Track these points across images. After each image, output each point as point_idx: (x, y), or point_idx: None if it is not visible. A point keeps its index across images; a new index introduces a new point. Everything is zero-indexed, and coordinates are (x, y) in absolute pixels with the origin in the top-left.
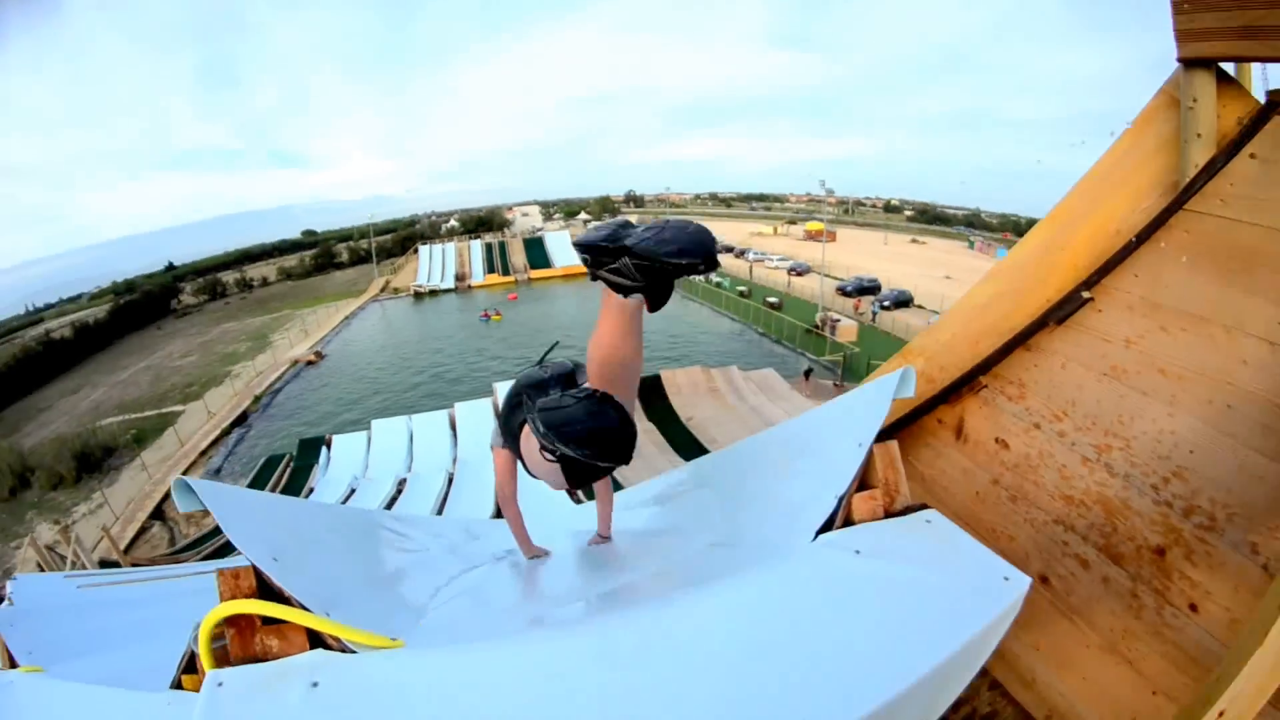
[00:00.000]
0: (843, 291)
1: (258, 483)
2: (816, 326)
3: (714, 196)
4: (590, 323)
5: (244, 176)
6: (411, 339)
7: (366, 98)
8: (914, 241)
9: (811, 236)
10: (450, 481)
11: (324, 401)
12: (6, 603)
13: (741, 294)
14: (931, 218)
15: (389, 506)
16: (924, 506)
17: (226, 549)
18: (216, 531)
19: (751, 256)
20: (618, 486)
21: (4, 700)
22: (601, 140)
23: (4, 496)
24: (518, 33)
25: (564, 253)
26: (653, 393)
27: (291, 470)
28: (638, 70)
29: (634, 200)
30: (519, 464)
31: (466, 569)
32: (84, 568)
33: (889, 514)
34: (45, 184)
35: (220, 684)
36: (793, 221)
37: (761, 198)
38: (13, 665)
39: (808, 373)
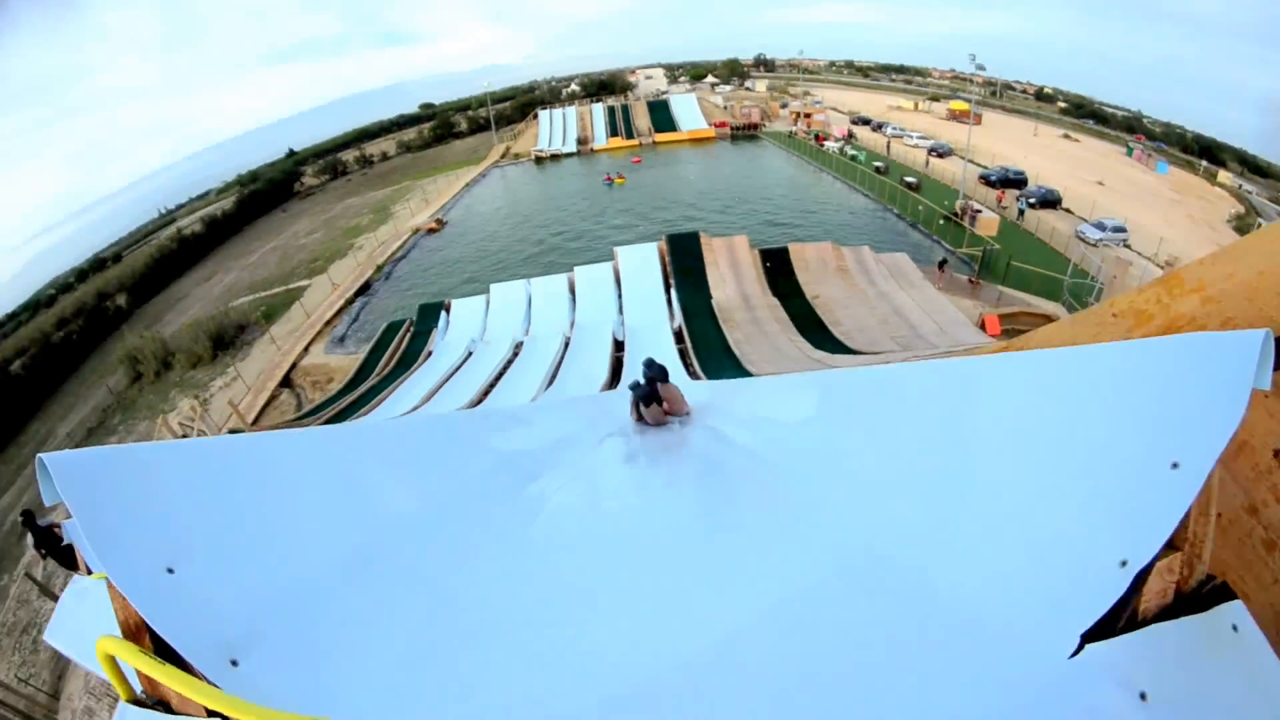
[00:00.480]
0: (986, 180)
1: (379, 348)
2: (955, 214)
3: (850, 65)
4: (714, 188)
5: (354, 60)
6: (533, 204)
7: None
8: (1066, 137)
9: (955, 116)
10: (566, 345)
11: (445, 267)
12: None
13: (878, 170)
14: (1087, 113)
15: (505, 369)
16: (1226, 590)
17: (353, 409)
18: (340, 395)
19: (890, 131)
20: (745, 373)
21: (77, 607)
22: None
23: (150, 379)
24: None
25: (690, 116)
26: (779, 266)
27: (411, 335)
28: None
29: (764, 64)
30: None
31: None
32: None
33: (1180, 594)
34: (163, 98)
35: None
36: (935, 98)
37: (901, 70)
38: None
39: (942, 263)
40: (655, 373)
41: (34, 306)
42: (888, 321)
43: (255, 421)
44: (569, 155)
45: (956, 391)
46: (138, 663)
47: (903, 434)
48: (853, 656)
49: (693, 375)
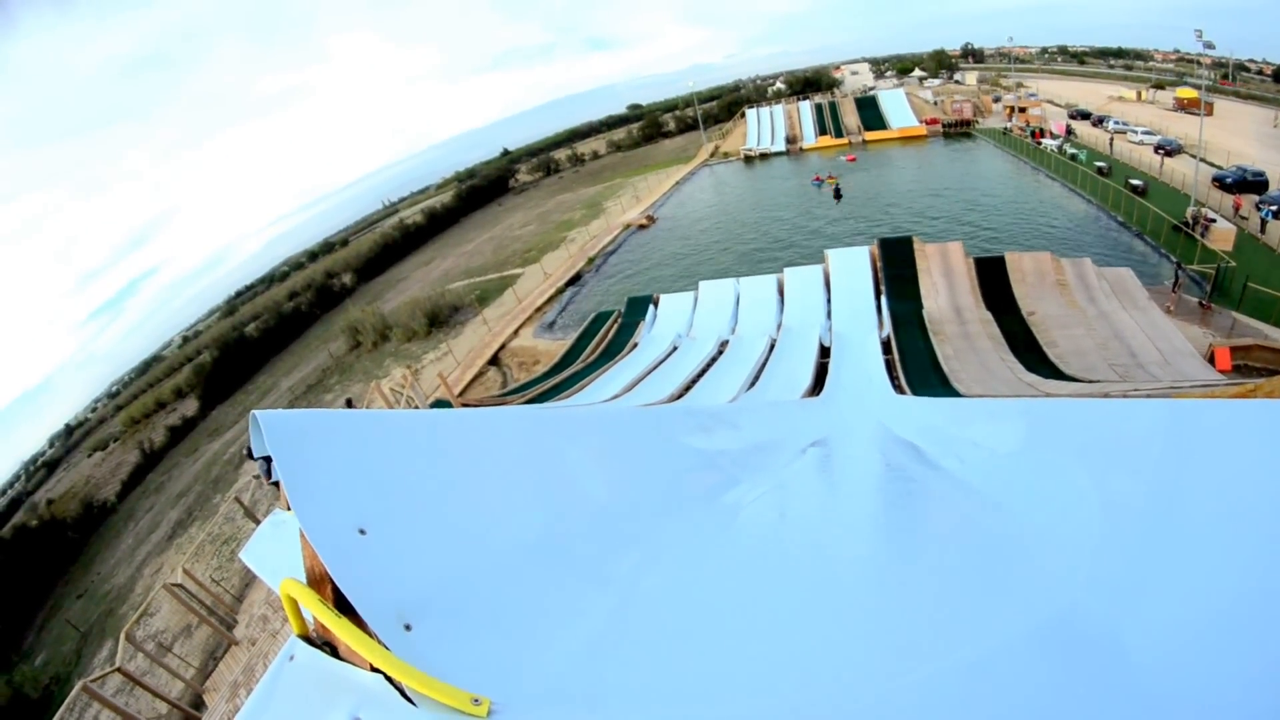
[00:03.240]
0: (1220, 183)
1: (586, 336)
2: (1185, 224)
3: (1064, 51)
4: (927, 190)
5: (562, 65)
6: (742, 203)
7: None
8: None
9: (1183, 106)
10: (772, 347)
11: (654, 263)
12: None
13: (1100, 171)
14: None
15: (708, 366)
16: None
17: (556, 391)
18: (545, 376)
19: (1111, 126)
20: (953, 391)
21: (273, 535)
22: None
23: (368, 348)
24: None
25: (900, 113)
26: (993, 277)
27: (619, 326)
28: None
29: (972, 54)
30: None
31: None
32: (416, 407)
33: None
34: (386, 104)
35: (292, 658)
36: (1159, 86)
37: (1120, 53)
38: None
39: (1177, 281)
40: None
41: (269, 280)
42: (1107, 346)
43: (461, 394)
44: (778, 154)
45: (1192, 438)
46: (317, 611)
47: (1126, 481)
48: None
49: (898, 389)
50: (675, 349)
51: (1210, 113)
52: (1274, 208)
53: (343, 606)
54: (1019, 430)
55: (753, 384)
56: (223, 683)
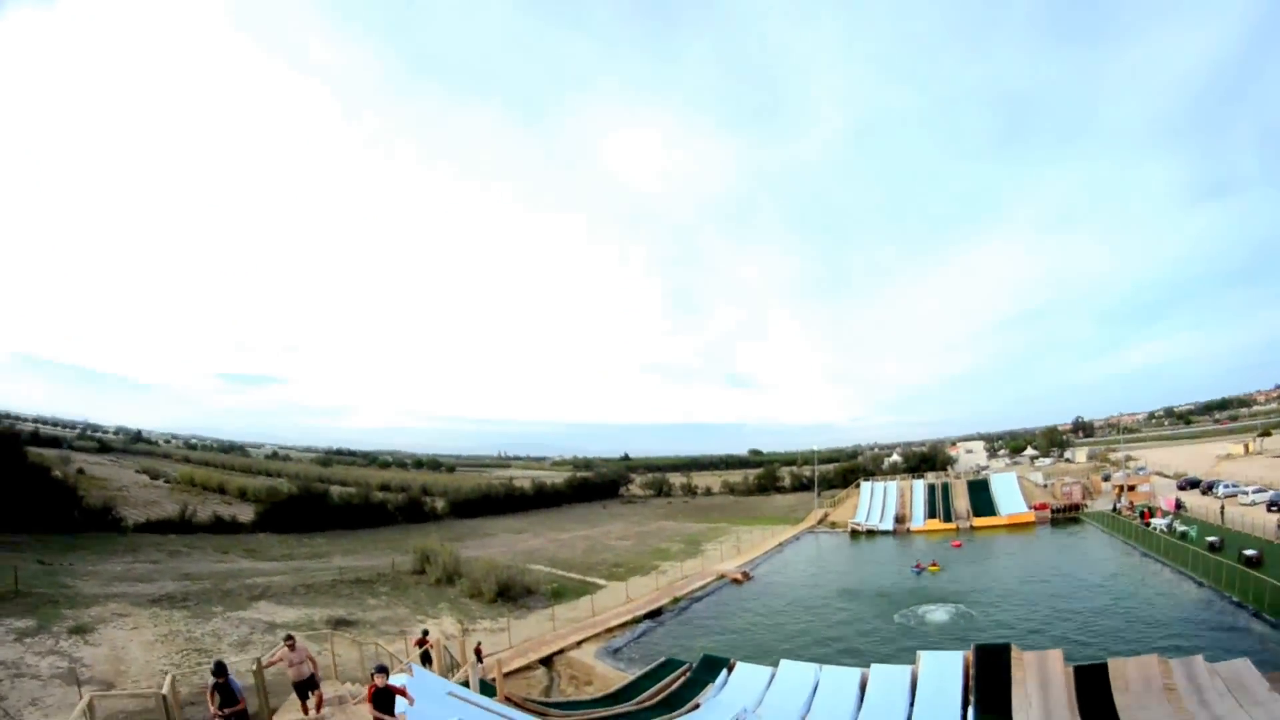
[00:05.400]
0: None
1: (649, 678)
2: None
3: (1169, 412)
4: (1027, 584)
5: (700, 390)
6: (842, 580)
7: (810, 326)
8: None
9: None
10: None
11: (739, 623)
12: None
13: (1211, 547)
14: None
15: None
16: None
17: None
18: (593, 704)
19: (1222, 491)
20: None
21: None
22: (1038, 360)
23: (432, 582)
24: (938, 256)
25: (1010, 499)
26: (1093, 686)
27: (686, 680)
28: (1063, 273)
29: (1082, 428)
30: None
31: None
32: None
33: None
34: (533, 368)
35: None
36: (1265, 433)
37: (1223, 404)
38: None
39: None
40: None
41: (371, 459)
42: None
43: (506, 677)
44: (885, 533)
45: None
46: None
47: None
48: None
49: None
50: None
51: None
52: None
53: None
54: None
55: None
56: None
